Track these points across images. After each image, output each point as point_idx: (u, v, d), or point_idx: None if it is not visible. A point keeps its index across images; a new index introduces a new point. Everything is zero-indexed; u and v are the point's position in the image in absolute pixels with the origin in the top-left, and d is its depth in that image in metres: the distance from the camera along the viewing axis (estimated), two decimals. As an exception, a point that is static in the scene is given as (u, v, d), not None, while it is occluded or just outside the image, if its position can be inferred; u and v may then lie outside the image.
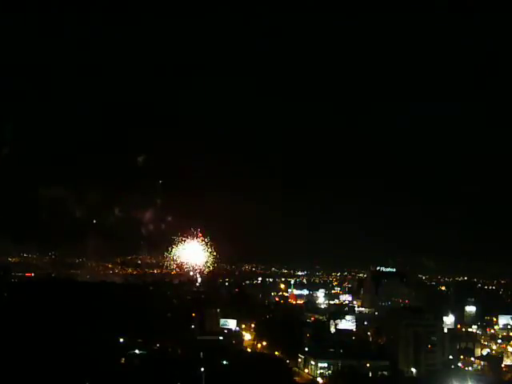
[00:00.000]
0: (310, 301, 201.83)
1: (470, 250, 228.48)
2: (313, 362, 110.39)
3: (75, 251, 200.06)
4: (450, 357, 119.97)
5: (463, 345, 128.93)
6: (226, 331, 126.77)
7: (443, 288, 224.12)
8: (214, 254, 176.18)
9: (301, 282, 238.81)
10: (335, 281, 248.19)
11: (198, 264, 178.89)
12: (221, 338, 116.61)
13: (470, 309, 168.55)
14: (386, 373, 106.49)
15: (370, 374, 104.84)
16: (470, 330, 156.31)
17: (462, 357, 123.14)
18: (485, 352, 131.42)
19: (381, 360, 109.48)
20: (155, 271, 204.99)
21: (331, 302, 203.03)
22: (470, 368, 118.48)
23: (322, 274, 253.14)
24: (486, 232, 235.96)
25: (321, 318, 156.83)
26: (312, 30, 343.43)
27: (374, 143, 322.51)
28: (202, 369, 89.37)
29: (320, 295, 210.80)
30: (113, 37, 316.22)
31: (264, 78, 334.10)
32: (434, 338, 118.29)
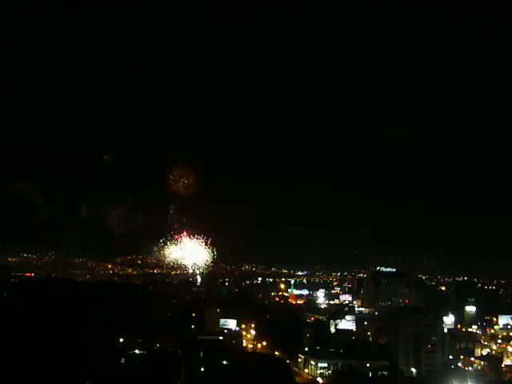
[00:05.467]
0: (310, 301, 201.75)
1: (470, 249, 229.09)
2: (313, 362, 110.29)
3: (75, 251, 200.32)
4: (450, 357, 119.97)
5: (463, 345, 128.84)
6: (226, 331, 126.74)
7: (443, 288, 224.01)
8: (214, 253, 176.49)
9: (301, 281, 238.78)
10: (335, 281, 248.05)
11: (198, 264, 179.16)
12: (221, 338, 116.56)
13: (470, 309, 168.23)
14: (385, 373, 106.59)
15: (370, 374, 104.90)
16: (470, 330, 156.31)
17: (462, 357, 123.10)
18: (485, 352, 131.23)
19: (381, 360, 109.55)
20: (155, 271, 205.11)
21: (331, 302, 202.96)
22: (470, 368, 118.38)
23: (322, 274, 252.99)
24: (486, 232, 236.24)
25: (321, 317, 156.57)
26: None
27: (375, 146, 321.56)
28: (202, 369, 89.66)
29: (320, 295, 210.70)
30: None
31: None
32: (433, 338, 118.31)
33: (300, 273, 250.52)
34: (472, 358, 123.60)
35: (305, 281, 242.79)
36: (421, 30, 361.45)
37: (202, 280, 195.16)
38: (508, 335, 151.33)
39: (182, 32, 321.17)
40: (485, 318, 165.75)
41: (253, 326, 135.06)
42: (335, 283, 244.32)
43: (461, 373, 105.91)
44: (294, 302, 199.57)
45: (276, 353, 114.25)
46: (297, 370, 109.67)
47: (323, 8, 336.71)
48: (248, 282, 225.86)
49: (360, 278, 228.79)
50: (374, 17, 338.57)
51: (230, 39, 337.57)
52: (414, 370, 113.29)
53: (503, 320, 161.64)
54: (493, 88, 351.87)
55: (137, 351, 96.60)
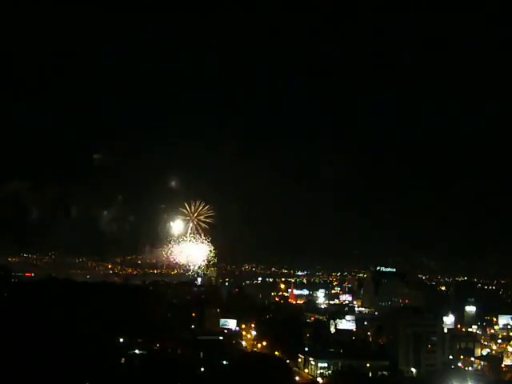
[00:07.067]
0: (310, 301, 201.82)
1: (470, 249, 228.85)
2: (313, 362, 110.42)
3: (75, 251, 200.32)
4: (450, 357, 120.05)
5: (463, 345, 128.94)
6: (226, 331, 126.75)
7: (443, 288, 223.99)
8: (215, 253, 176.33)
9: (301, 281, 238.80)
10: (335, 281, 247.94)
11: (198, 264, 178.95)
12: (221, 338, 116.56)
13: (470, 309, 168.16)
14: (385, 373, 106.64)
15: (370, 374, 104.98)
16: (470, 330, 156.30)
17: (462, 357, 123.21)
18: (485, 352, 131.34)
19: (381, 360, 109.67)
20: (155, 271, 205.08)
21: (331, 302, 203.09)
22: (470, 368, 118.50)
23: (322, 274, 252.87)
24: (486, 232, 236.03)
25: (321, 317, 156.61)
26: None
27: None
28: (202, 369, 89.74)
29: (320, 295, 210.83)
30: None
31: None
32: (434, 338, 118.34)
33: (300, 273, 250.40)
34: (472, 358, 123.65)
35: (305, 281, 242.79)
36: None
37: (202, 280, 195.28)
38: (508, 335, 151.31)
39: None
40: (485, 318, 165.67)
41: (253, 326, 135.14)
42: (335, 283, 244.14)
43: (461, 373, 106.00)
44: (294, 302, 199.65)
45: (276, 353, 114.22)
46: (297, 369, 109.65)
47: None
48: (248, 282, 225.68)
49: (360, 278, 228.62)
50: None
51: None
52: (414, 369, 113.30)
53: (503, 320, 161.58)
54: None
55: (137, 351, 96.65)
